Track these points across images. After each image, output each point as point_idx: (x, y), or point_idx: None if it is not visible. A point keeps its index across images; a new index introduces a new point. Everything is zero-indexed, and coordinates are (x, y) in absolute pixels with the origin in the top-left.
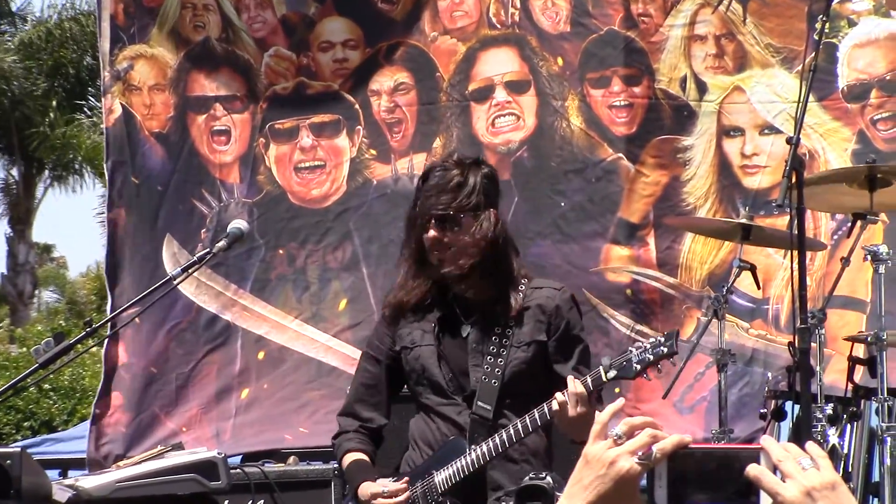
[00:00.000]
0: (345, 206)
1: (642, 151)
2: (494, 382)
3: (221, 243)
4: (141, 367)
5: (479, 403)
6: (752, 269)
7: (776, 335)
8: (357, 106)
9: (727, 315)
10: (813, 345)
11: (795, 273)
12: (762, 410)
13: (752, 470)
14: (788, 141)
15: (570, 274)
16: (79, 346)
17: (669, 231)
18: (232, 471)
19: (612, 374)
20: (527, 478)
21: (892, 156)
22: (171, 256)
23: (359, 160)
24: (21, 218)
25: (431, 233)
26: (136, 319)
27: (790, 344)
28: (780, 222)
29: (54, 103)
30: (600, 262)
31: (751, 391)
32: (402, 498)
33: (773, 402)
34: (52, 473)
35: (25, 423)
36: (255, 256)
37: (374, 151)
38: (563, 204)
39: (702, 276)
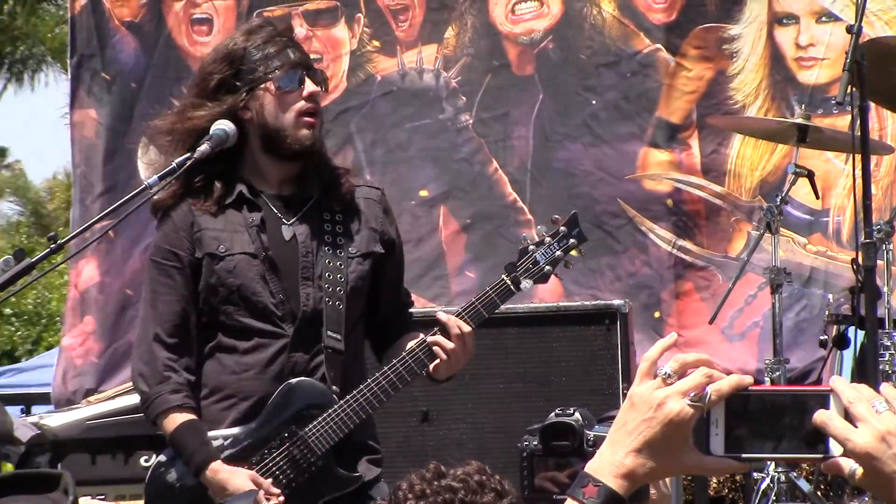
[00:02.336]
0: (345, 105)
1: (683, 42)
2: (339, 305)
3: (204, 147)
4: (115, 288)
5: (330, 333)
6: (810, 175)
7: (837, 251)
8: None
9: (781, 229)
10: (879, 262)
11: (859, 180)
12: (822, 337)
13: (820, 416)
14: (849, 30)
15: (602, 182)
16: (43, 264)
17: (715, 133)
18: None
19: (527, 284)
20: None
21: None
22: (149, 163)
23: (360, 53)
24: None
25: (312, 86)
26: (110, 233)
27: (853, 261)
28: (841, 122)
29: None
30: (637, 169)
31: (809, 315)
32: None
33: (835, 327)
34: (14, 409)
35: None
36: None
37: (377, 43)
38: (594, 102)
39: (752, 184)
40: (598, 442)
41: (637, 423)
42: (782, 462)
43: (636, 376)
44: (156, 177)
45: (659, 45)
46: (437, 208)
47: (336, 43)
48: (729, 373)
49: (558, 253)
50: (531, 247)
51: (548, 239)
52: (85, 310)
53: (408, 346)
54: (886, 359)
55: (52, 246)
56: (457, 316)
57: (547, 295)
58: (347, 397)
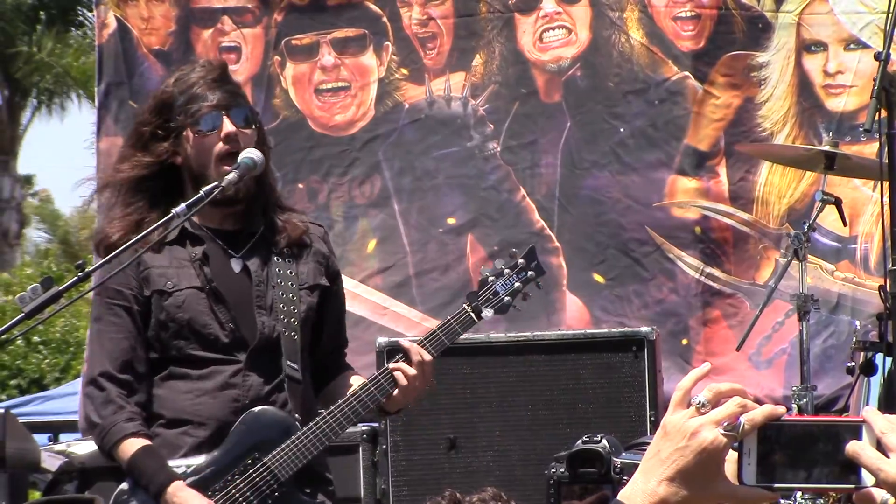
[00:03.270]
0: (373, 133)
1: (712, 69)
2: (294, 336)
3: (231, 176)
4: None
5: (289, 363)
6: (837, 202)
7: (865, 278)
8: (385, 18)
9: (809, 256)
10: None
11: (886, 207)
12: (849, 364)
13: (852, 446)
14: (877, 57)
15: (630, 209)
16: (71, 292)
17: (743, 160)
18: None
19: (488, 313)
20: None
21: None
22: None
23: (388, 81)
24: (4, 148)
25: (229, 126)
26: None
27: (881, 288)
28: (869, 150)
29: (42, 17)
30: (665, 196)
31: (836, 342)
32: None
33: (862, 354)
34: (42, 438)
35: (12, 381)
36: None
37: (405, 71)
38: (622, 129)
39: (780, 211)
40: (625, 469)
41: (670, 452)
42: (813, 491)
43: (670, 405)
44: (183, 205)
45: (687, 73)
46: (465, 236)
47: (364, 71)
48: (757, 400)
49: (517, 284)
50: (490, 277)
51: (507, 270)
52: None
53: (369, 376)
54: None
55: (79, 274)
56: (419, 344)
57: (574, 322)
58: (311, 424)
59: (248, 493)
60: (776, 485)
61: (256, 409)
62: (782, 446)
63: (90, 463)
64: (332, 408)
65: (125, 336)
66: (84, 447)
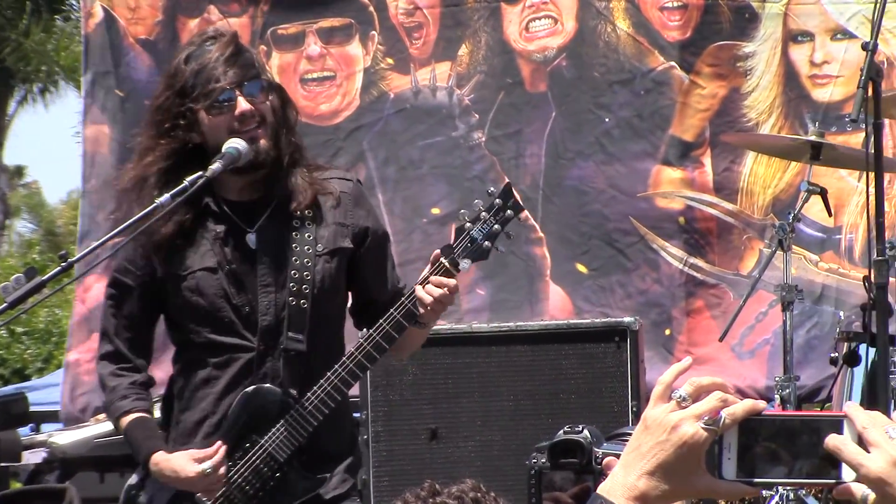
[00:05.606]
0: (358, 122)
1: (698, 59)
2: (304, 304)
3: (216, 165)
4: None
5: (291, 334)
6: (823, 193)
7: (849, 269)
8: (371, 8)
9: (794, 246)
10: (892, 279)
11: (871, 198)
12: (832, 355)
13: (832, 441)
14: (864, 47)
15: (614, 199)
16: (54, 283)
17: (728, 150)
18: None
19: (465, 264)
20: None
21: None
22: None
23: (374, 70)
24: None
25: (243, 105)
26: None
27: (865, 279)
28: (855, 140)
29: (28, 6)
30: (649, 186)
31: (820, 333)
32: (221, 471)
33: (846, 345)
34: (24, 429)
35: None
36: None
37: (390, 60)
38: (607, 120)
39: (765, 201)
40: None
41: (651, 446)
42: (793, 486)
43: (651, 399)
44: (167, 195)
45: (673, 63)
46: (449, 226)
47: (350, 60)
48: (739, 393)
49: (496, 227)
50: (467, 224)
51: (483, 214)
52: (93, 327)
53: (354, 344)
54: None
55: (62, 264)
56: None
57: (557, 312)
58: (302, 400)
59: (250, 477)
60: (756, 479)
61: (250, 388)
62: (763, 441)
63: (71, 453)
64: (321, 381)
65: (128, 313)
66: (66, 438)
